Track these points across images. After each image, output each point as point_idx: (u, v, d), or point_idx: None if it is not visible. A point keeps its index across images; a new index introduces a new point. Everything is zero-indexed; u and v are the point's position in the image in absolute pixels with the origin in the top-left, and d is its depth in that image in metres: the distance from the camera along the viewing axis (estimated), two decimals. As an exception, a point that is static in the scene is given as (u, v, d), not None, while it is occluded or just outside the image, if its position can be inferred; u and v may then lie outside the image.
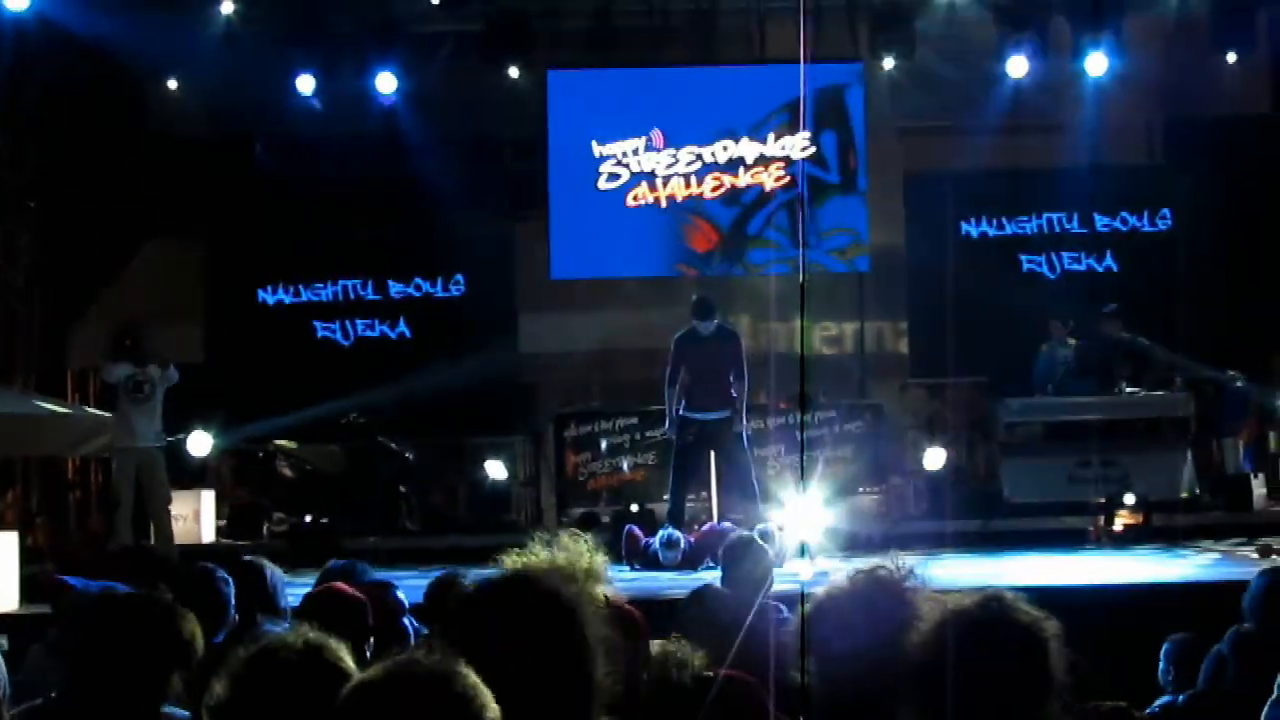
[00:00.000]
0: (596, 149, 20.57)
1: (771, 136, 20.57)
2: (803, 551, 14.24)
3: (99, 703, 4.13)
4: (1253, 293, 19.57)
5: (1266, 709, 5.68)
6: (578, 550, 4.16)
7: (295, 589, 11.75)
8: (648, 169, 20.54)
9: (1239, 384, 19.11)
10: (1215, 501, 18.14)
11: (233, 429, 19.64)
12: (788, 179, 20.58)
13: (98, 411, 16.67)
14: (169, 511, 14.92)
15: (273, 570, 7.74)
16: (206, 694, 3.72)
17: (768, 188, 20.59)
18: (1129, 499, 16.64)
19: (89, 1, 18.19)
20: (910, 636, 3.48)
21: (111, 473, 16.76)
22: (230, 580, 7.33)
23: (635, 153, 20.54)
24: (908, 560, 4.00)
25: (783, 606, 7.31)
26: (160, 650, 4.10)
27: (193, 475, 18.88)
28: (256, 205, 21.24)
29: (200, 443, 18.44)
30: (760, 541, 13.20)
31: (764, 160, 20.55)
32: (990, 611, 3.40)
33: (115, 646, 4.07)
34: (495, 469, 19.40)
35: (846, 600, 3.86)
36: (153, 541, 14.65)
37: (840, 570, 6.48)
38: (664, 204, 20.59)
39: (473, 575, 8.05)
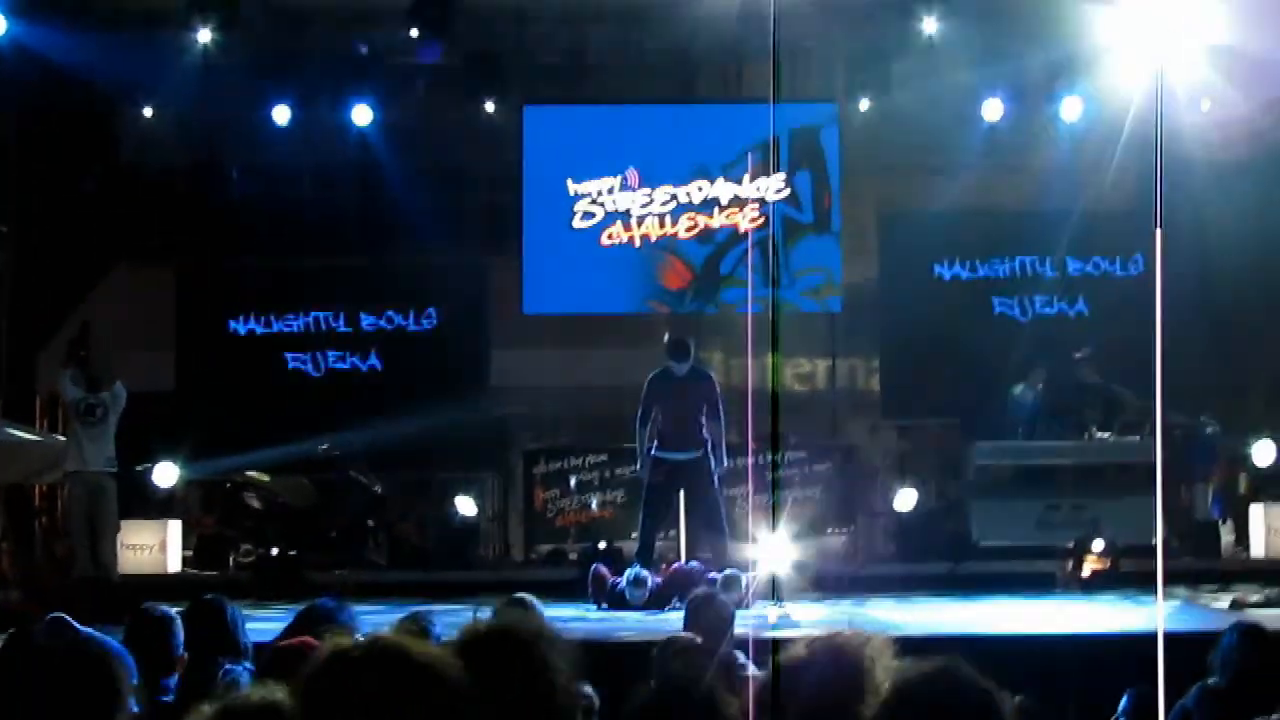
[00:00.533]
0: (572, 187, 20.57)
1: (746, 177, 20.57)
2: (773, 592, 14.22)
3: None
4: (1225, 337, 19.60)
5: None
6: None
7: (262, 623, 11.70)
8: (622, 208, 20.55)
9: (1209, 429, 19.11)
10: (1184, 548, 18.13)
11: (202, 459, 19.56)
12: (762, 220, 20.58)
13: (61, 438, 16.51)
14: (114, 539, 14.72)
15: (232, 609, 7.60)
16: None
17: (742, 229, 20.59)
18: (1098, 544, 16.62)
19: (65, 28, 18.14)
20: (864, 709, 3.41)
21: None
22: (177, 621, 7.19)
23: (610, 191, 20.55)
24: (867, 626, 3.93)
25: (742, 656, 7.25)
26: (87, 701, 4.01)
27: (159, 505, 18.77)
28: (229, 234, 21.16)
29: (166, 474, 18.33)
30: (723, 593, 13.28)
31: (738, 201, 20.56)
32: (943, 686, 3.32)
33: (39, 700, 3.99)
34: (465, 505, 19.31)
35: (803, 670, 3.78)
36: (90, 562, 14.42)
37: (807, 613, 6.44)
38: (638, 243, 20.60)
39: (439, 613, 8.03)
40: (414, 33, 18.27)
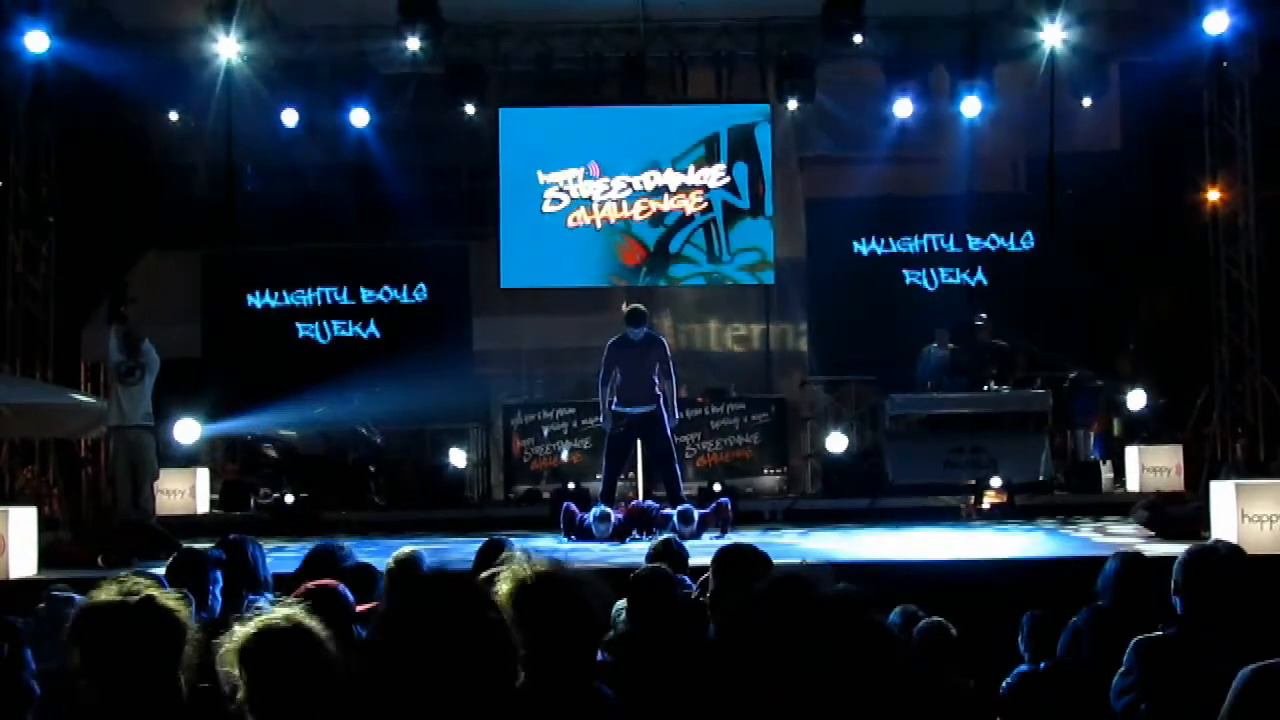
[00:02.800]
0: (541, 177, 20.57)
1: (692, 168, 20.58)
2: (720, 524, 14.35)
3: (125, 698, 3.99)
4: (1101, 303, 19.71)
5: (1116, 678, 5.66)
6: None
7: (280, 555, 11.70)
8: (585, 195, 20.55)
9: (1090, 383, 19.21)
10: (1070, 484, 18.23)
11: (225, 416, 19.52)
12: (706, 204, 20.60)
13: (103, 401, 16.40)
14: (153, 486, 14.61)
15: (254, 547, 7.59)
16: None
17: (688, 212, 20.59)
18: (995, 481, 16.72)
19: (100, 45, 18.02)
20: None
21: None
22: (218, 562, 7.19)
23: (575, 181, 20.56)
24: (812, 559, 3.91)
25: (688, 579, 7.28)
26: (164, 645, 4.00)
27: (187, 456, 18.71)
28: (246, 222, 21.06)
29: (188, 430, 18.22)
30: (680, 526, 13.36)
31: (685, 189, 20.56)
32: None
33: (124, 654, 3.96)
34: (457, 457, 19.28)
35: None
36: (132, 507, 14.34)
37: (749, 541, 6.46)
38: (599, 225, 20.60)
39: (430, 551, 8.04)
40: (407, 43, 18.20)
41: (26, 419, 16.79)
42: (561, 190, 20.57)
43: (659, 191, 20.56)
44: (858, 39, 18.36)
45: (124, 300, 14.61)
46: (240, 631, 3.83)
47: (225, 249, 21.04)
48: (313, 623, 3.90)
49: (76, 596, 7.04)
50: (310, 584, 6.07)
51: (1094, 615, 6.48)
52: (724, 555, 6.00)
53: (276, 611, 4.01)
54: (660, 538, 8.72)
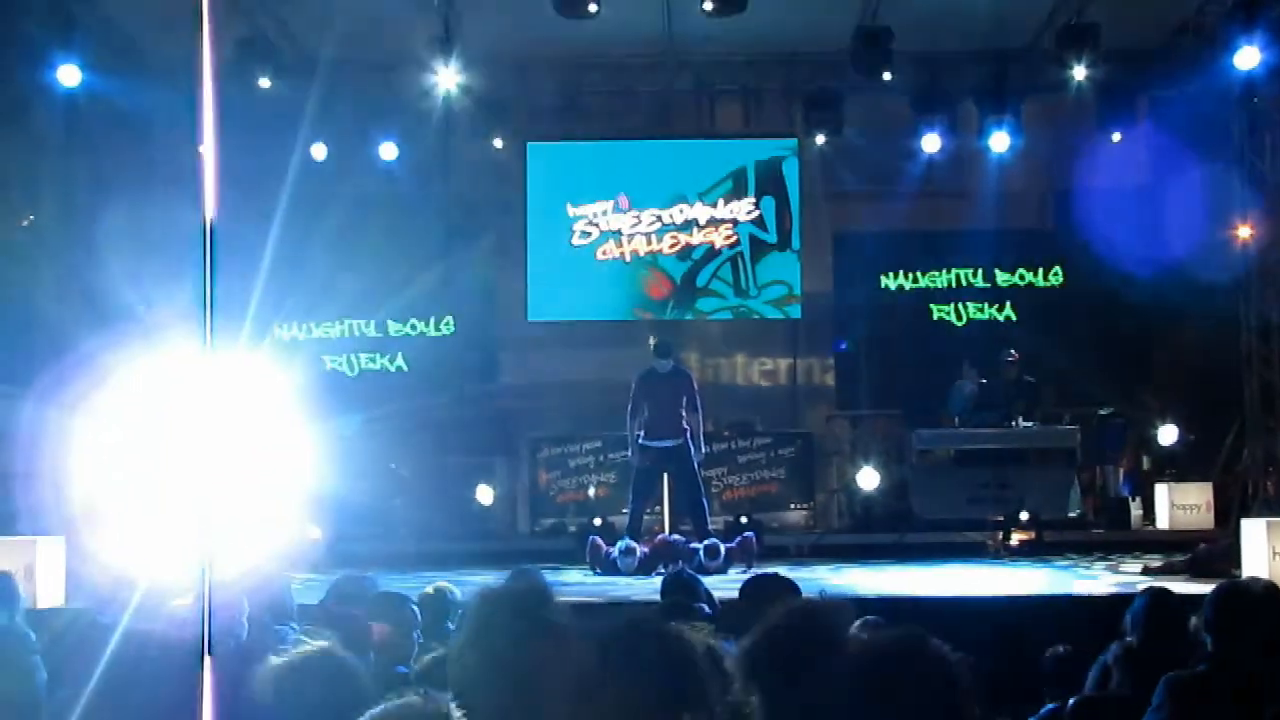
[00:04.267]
0: (571, 210, 20.63)
1: (720, 201, 20.61)
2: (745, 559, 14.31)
3: None
4: (1130, 339, 19.63)
5: (1147, 715, 5.62)
6: None
7: (302, 590, 11.69)
8: (615, 228, 20.59)
9: (1118, 419, 19.15)
10: (1098, 521, 18.15)
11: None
12: (734, 238, 20.62)
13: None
14: None
15: (282, 578, 7.62)
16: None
17: (717, 246, 20.62)
18: (1023, 517, 16.65)
19: (130, 77, 18.12)
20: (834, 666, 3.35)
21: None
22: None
23: (605, 214, 20.61)
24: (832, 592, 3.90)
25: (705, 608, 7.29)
26: None
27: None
28: (274, 255, 21.10)
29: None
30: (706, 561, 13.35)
31: (714, 222, 20.59)
32: (908, 651, 3.26)
33: None
34: (485, 494, 19.25)
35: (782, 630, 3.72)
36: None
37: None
38: (628, 259, 20.64)
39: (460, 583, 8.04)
40: (435, 77, 18.24)
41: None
42: (591, 223, 20.63)
43: (688, 225, 20.60)
44: (886, 74, 18.34)
45: None
46: (275, 662, 3.85)
47: (254, 282, 21.08)
48: (345, 653, 3.92)
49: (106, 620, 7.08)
50: (335, 611, 6.10)
51: (1124, 652, 6.45)
52: (753, 584, 6.00)
53: (310, 643, 4.03)
54: (671, 572, 8.73)
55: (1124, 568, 14.63)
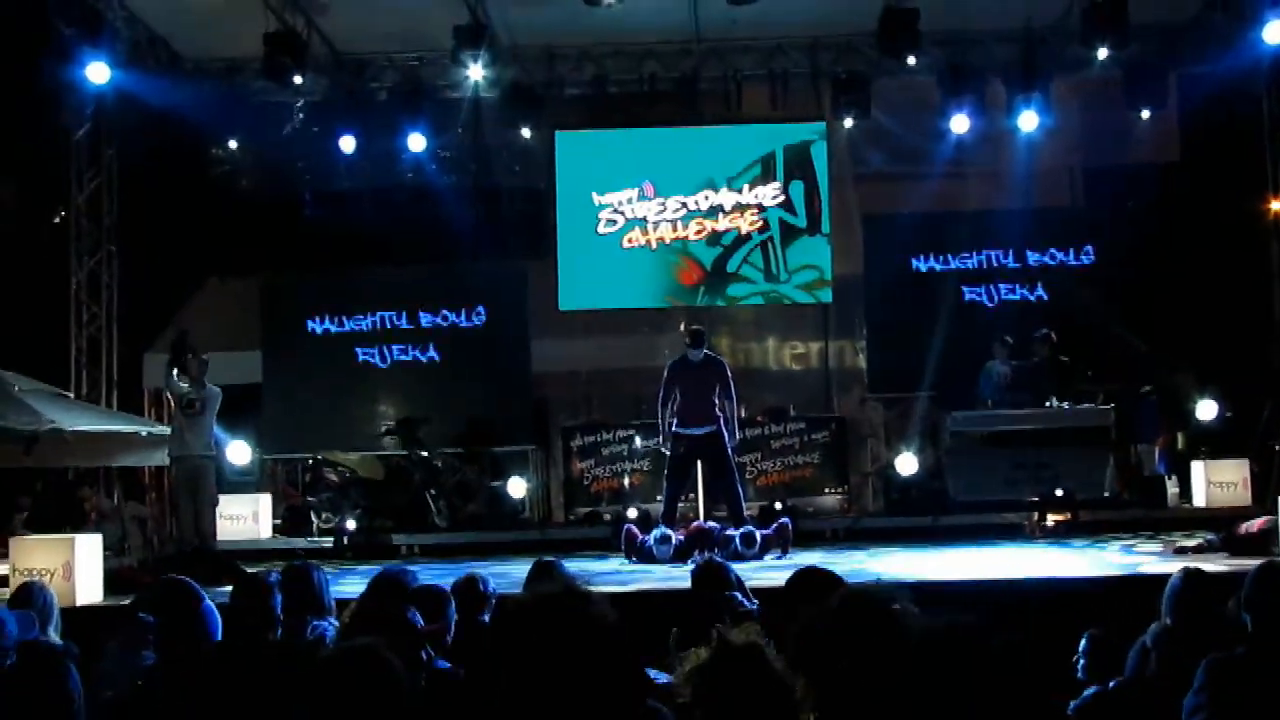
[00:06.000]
0: (596, 198, 20.64)
1: (747, 187, 20.59)
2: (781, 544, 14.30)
3: None
4: (1162, 316, 19.53)
5: (1188, 698, 5.59)
6: None
7: (341, 580, 11.74)
8: (640, 215, 20.59)
9: (1152, 397, 19.08)
10: (1134, 500, 18.08)
11: (287, 440, 19.68)
12: (761, 223, 20.60)
13: (166, 428, 16.48)
14: (212, 512, 14.78)
15: (319, 573, 7.63)
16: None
17: (744, 231, 20.59)
18: (1059, 492, 16.61)
19: (160, 76, 18.19)
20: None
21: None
22: (279, 585, 7.24)
23: (630, 201, 20.63)
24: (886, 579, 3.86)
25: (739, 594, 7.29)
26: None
27: (241, 477, 18.76)
28: (305, 248, 21.19)
29: (240, 452, 18.29)
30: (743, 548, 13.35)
31: (740, 207, 20.57)
32: (962, 639, 3.22)
33: None
34: (517, 487, 19.24)
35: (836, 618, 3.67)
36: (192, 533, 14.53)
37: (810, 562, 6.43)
38: (654, 246, 20.66)
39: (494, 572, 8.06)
40: (468, 71, 18.23)
41: (89, 446, 16.90)
42: (616, 211, 20.63)
43: (714, 211, 20.59)
44: (912, 57, 18.27)
45: (185, 351, 14.82)
46: (320, 658, 3.86)
47: (285, 275, 21.17)
48: (387, 651, 3.93)
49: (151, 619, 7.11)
50: (376, 608, 6.10)
51: (1162, 633, 6.42)
52: (799, 579, 5.99)
53: (355, 641, 4.04)
54: (700, 560, 8.73)
55: (1161, 546, 14.57)
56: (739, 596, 7.37)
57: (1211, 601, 6.48)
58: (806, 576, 6.04)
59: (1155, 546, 14.70)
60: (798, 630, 3.58)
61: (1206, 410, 18.82)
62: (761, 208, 20.65)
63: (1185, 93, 20.11)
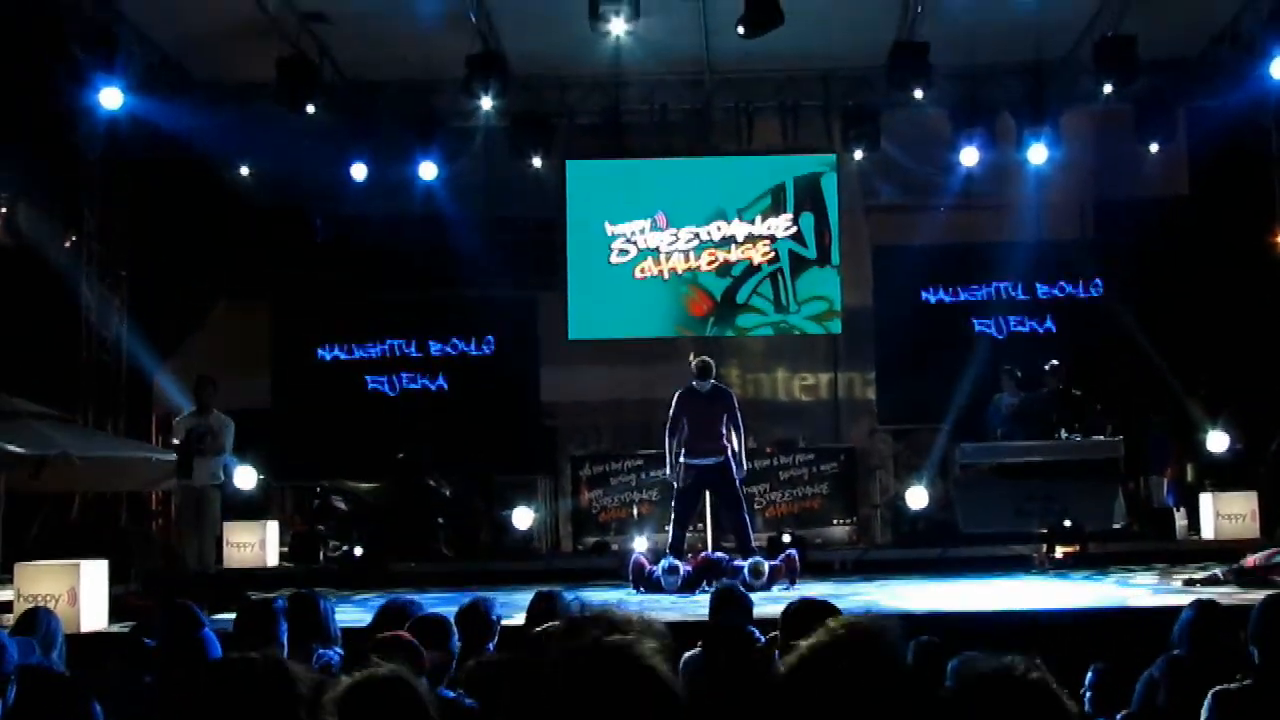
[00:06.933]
0: (609, 228, 20.68)
1: (759, 218, 20.58)
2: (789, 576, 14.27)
3: None
4: (1171, 349, 19.48)
5: (1195, 729, 5.57)
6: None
7: (347, 607, 11.71)
8: (653, 246, 20.58)
9: (1161, 429, 19.03)
10: (1143, 532, 18.02)
11: (294, 467, 19.66)
12: (773, 255, 20.58)
13: (170, 456, 16.47)
14: (215, 539, 14.89)
15: (325, 602, 7.60)
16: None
17: (755, 262, 20.57)
18: (1067, 522, 16.56)
19: (173, 100, 18.22)
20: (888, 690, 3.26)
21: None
22: (283, 612, 7.19)
23: (642, 232, 20.65)
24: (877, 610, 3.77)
25: (757, 631, 7.24)
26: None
27: (247, 503, 18.74)
28: (315, 275, 21.20)
29: (245, 477, 18.32)
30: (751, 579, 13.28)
31: (753, 239, 20.56)
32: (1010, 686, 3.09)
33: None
34: (522, 518, 19.16)
35: (829, 651, 3.61)
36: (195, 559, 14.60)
37: (818, 592, 6.40)
38: (666, 276, 20.65)
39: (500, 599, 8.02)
40: (475, 97, 18.22)
41: (97, 471, 16.90)
42: (629, 241, 20.64)
43: (727, 241, 20.59)
44: (922, 90, 18.28)
45: (205, 391, 14.97)
46: (343, 682, 3.83)
47: (295, 300, 21.18)
48: (415, 679, 3.90)
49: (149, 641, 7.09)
50: (384, 635, 6.07)
51: (1170, 665, 6.38)
52: (796, 611, 5.95)
53: (381, 666, 4.01)
54: (720, 585, 8.68)
55: (1170, 579, 14.50)
56: (759, 636, 7.31)
57: (1224, 633, 6.44)
58: (804, 608, 6.00)
59: (1164, 579, 14.63)
60: (792, 660, 3.53)
61: (1218, 442, 18.74)
62: (773, 239, 20.65)
63: (1194, 126, 20.11)
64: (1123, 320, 19.48)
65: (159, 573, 15.60)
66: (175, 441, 15.11)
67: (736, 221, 20.62)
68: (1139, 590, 13.75)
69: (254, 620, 7.15)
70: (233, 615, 7.96)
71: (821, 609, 5.88)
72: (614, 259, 20.65)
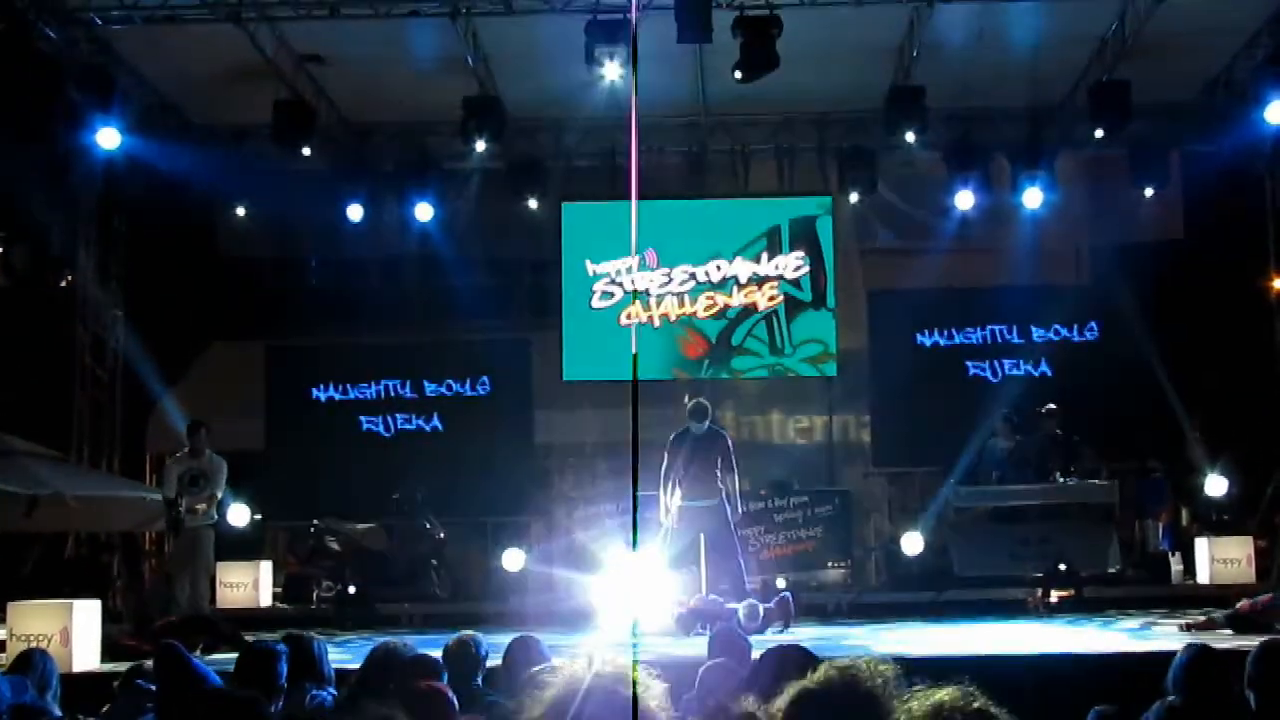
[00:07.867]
0: (590, 267, 20.47)
1: (764, 256, 20.46)
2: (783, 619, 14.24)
3: None
4: (1167, 394, 19.49)
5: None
6: None
7: (340, 649, 11.67)
8: (642, 288, 20.42)
9: (1157, 473, 19.03)
10: (1139, 576, 18.01)
11: (289, 507, 19.62)
12: (780, 298, 20.44)
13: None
14: (208, 580, 14.90)
15: (319, 643, 7.62)
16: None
17: (760, 306, 20.43)
18: (1062, 566, 16.53)
19: (169, 142, 18.26)
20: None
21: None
22: (285, 655, 7.17)
23: (628, 270, 20.23)
24: (873, 655, 3.73)
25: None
26: None
27: (240, 541, 18.70)
28: (311, 315, 21.21)
29: (239, 515, 18.29)
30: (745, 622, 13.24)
31: (757, 280, 20.46)
32: None
33: None
34: (513, 560, 19.04)
35: (820, 696, 3.60)
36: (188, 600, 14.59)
37: (812, 635, 6.38)
38: (657, 323, 20.45)
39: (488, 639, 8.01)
40: (471, 139, 18.24)
41: (91, 511, 16.89)
42: (613, 282, 20.45)
43: (727, 283, 20.50)
44: (917, 133, 18.32)
45: (197, 435, 15.02)
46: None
47: (290, 341, 21.19)
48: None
49: (153, 687, 7.08)
50: (423, 685, 6.09)
51: (1166, 711, 6.36)
52: (772, 657, 5.95)
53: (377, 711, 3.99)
54: (720, 628, 8.66)
55: (1165, 624, 14.47)
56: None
57: (1219, 678, 6.42)
58: (780, 655, 6.00)
59: (1160, 623, 14.61)
60: (785, 708, 3.52)
61: (1216, 486, 18.70)
62: (780, 279, 20.53)
63: (1189, 171, 20.22)
64: (1117, 364, 19.49)
65: (151, 614, 15.58)
66: (165, 493, 15.10)
67: (737, 260, 20.51)
68: (1134, 635, 13.73)
69: (255, 663, 7.13)
70: (227, 655, 7.97)
71: (796, 655, 5.87)
72: (596, 302, 20.48)
